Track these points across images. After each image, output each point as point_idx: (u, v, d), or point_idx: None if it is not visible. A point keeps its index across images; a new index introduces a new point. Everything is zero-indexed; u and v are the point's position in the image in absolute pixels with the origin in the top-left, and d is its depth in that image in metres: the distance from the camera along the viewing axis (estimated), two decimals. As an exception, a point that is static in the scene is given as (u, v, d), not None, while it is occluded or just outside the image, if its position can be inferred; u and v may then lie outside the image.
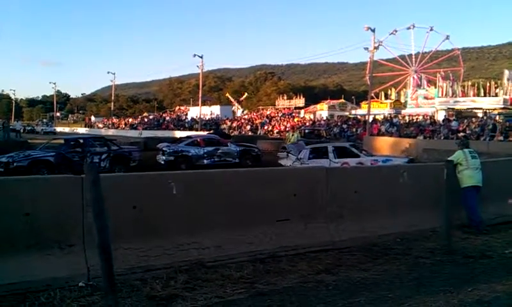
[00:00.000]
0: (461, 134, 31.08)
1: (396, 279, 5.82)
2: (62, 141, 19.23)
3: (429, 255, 6.90)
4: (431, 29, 67.14)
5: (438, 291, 5.33)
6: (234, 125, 62.69)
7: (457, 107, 48.41)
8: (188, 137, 24.68)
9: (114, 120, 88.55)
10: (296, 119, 58.68)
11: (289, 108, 73.13)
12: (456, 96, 50.02)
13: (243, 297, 5.10)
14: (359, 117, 53.82)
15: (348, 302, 4.99)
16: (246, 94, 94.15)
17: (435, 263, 6.54)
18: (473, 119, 40.34)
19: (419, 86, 61.90)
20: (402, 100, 59.86)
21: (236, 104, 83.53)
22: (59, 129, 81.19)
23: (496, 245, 7.57)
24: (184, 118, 75.89)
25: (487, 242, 7.71)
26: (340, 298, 5.11)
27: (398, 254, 6.96)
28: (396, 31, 67.18)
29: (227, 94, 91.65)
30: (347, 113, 63.23)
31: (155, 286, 5.25)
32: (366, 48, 40.67)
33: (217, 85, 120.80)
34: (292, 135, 24.27)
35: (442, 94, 51.17)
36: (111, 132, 69.78)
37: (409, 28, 67.70)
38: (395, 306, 4.93)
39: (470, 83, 54.39)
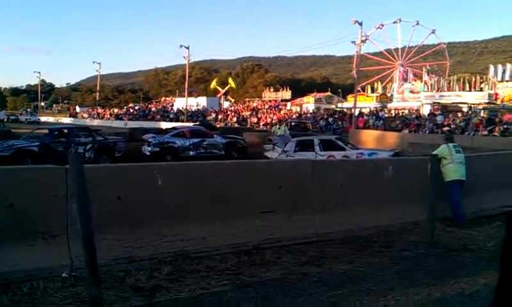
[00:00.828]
0: (446, 128, 31.35)
1: (379, 271, 5.87)
2: (46, 131, 18.99)
3: (412, 248, 6.96)
4: (417, 23, 67.59)
5: (421, 284, 5.39)
6: (220, 116, 62.53)
7: (443, 101, 48.94)
8: (174, 128, 24.56)
9: (100, 110, 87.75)
10: (282, 112, 58.70)
11: (276, 100, 73.16)
12: (441, 91, 50.48)
13: (228, 289, 5.11)
14: (345, 110, 54.15)
15: (332, 294, 5.02)
16: (230, 81, 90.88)
17: (418, 256, 6.60)
18: (459, 114, 40.78)
19: (405, 79, 62.34)
20: (388, 94, 60.18)
21: (223, 97, 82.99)
22: (43, 119, 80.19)
23: (479, 238, 7.66)
24: (170, 109, 75.43)
25: (469, 236, 7.80)
26: (324, 290, 5.15)
27: (382, 246, 7.01)
28: (383, 25, 67.48)
29: (213, 84, 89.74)
30: (333, 106, 63.54)
31: (140, 277, 5.24)
32: (353, 42, 40.69)
33: (203, 76, 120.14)
34: (279, 128, 24.16)
35: (428, 89, 51.64)
36: (96, 122, 69.32)
37: (395, 22, 68.04)
38: (378, 298, 4.97)
39: (455, 77, 54.84)
